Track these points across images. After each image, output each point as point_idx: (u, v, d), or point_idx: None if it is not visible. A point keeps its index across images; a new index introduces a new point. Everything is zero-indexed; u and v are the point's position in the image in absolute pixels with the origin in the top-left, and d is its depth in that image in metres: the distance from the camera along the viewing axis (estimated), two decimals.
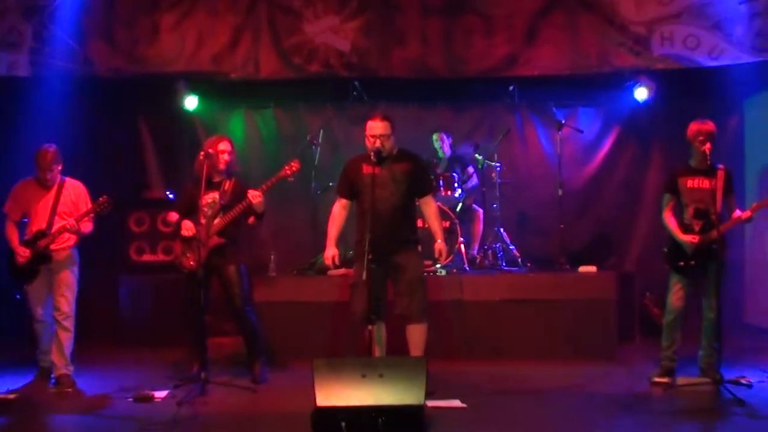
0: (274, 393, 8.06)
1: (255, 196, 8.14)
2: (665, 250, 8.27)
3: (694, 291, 8.16)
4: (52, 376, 8.48)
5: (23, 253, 8.45)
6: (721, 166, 8.05)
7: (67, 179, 8.72)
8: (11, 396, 7.67)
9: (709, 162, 8.00)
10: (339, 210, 8.09)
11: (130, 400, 7.66)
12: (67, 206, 8.61)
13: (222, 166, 8.44)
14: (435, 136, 11.28)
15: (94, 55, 10.61)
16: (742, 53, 10.23)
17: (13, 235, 8.59)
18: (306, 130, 11.50)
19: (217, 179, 8.46)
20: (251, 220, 8.47)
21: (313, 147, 11.03)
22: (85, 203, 8.69)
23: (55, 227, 8.47)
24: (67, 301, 8.52)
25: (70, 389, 8.30)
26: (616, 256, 11.60)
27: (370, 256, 7.20)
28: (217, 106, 12.00)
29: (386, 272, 7.79)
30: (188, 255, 8.30)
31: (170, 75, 10.87)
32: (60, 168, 8.63)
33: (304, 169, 8.76)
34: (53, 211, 8.56)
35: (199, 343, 8.15)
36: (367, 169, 7.79)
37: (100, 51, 10.64)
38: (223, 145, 8.49)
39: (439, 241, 7.94)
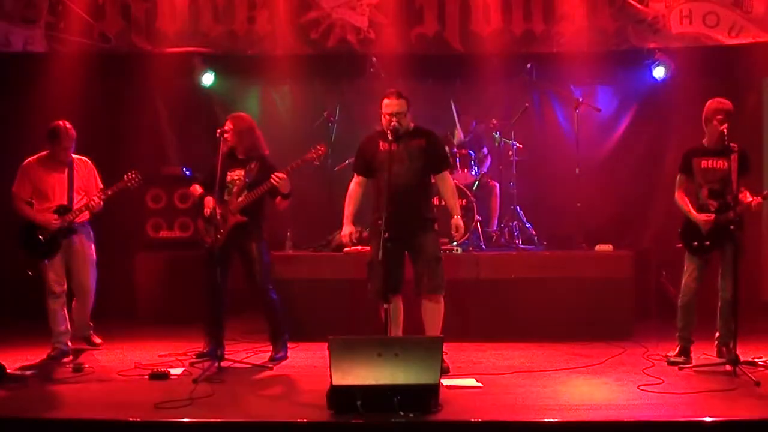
0: (290, 371, 8.07)
1: (279, 177, 8.12)
2: (680, 230, 8.22)
3: (710, 271, 8.13)
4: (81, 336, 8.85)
5: (54, 220, 8.44)
6: (734, 145, 7.96)
7: (75, 157, 8.72)
8: (27, 372, 7.69)
9: (725, 142, 7.86)
10: (355, 187, 8.08)
11: (146, 377, 7.67)
12: (80, 182, 8.63)
13: (231, 143, 8.35)
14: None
15: (110, 30, 10.62)
16: (762, 31, 10.16)
17: (29, 210, 8.58)
18: (323, 106, 11.44)
19: (243, 157, 8.45)
20: (278, 200, 8.37)
21: (330, 124, 11.01)
22: (95, 180, 8.73)
23: (76, 203, 8.50)
24: (92, 278, 8.79)
25: (99, 342, 8.82)
26: (633, 235, 11.52)
27: (386, 235, 7.20)
28: (233, 83, 11.95)
29: (403, 250, 7.78)
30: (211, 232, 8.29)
31: (187, 51, 10.85)
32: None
33: None
34: (71, 188, 8.57)
35: (215, 321, 8.16)
36: (383, 146, 7.76)
37: (117, 26, 10.64)
38: (227, 124, 8.41)
39: (455, 216, 7.94)
